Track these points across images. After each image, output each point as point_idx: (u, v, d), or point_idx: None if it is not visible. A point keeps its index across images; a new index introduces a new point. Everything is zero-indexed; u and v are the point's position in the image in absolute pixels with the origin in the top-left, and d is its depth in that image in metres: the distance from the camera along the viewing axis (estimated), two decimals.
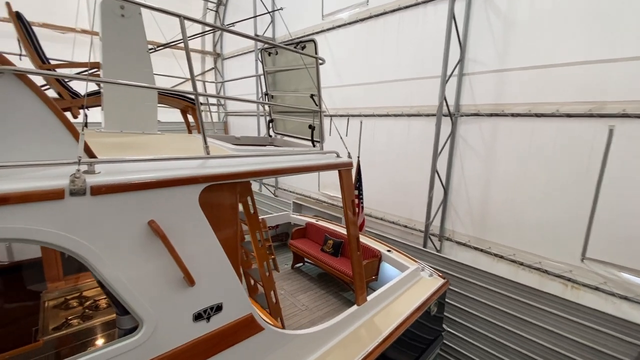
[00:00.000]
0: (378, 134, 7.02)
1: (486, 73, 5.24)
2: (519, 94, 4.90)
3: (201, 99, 4.15)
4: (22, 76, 1.45)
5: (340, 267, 5.03)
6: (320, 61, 2.91)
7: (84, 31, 7.93)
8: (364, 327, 3.29)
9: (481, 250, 5.46)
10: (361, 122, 7.26)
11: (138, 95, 3.13)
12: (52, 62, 3.27)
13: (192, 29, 7.77)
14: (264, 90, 3.84)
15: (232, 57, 11.60)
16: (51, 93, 3.49)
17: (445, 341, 5.25)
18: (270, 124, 3.84)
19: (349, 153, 3.08)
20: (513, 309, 4.62)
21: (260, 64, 3.82)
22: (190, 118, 4.23)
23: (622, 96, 3.97)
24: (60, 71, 3.81)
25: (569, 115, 4.40)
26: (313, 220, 6.23)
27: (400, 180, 6.65)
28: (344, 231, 5.70)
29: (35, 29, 3.21)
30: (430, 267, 4.67)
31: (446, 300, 5.15)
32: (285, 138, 3.83)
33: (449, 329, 5.18)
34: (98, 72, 3.24)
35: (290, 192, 9.56)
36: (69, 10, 7.79)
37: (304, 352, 2.77)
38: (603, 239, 4.24)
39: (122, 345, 1.69)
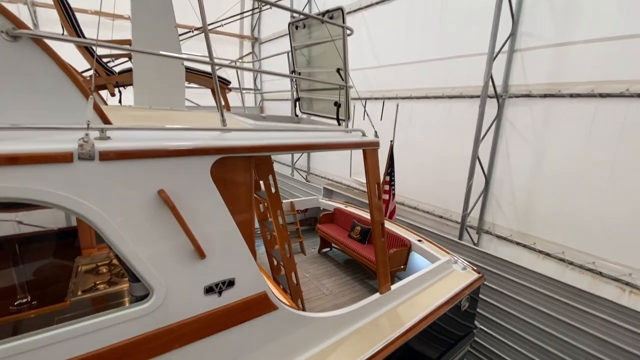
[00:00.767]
0: (415, 117, 6.62)
1: (542, 48, 4.65)
2: (579, 72, 4.28)
3: (234, 83, 4.14)
4: (39, 41, 1.45)
5: (367, 254, 4.88)
6: (348, 31, 2.71)
7: (115, 15, 8.26)
8: (386, 316, 3.14)
9: (524, 246, 4.99)
10: (397, 105, 6.89)
11: (166, 72, 3.17)
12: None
13: (230, 12, 7.81)
14: (292, 68, 3.71)
15: (269, 40, 11.58)
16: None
17: (477, 339, 4.93)
18: (297, 103, 3.72)
19: (375, 132, 2.88)
20: (557, 311, 4.18)
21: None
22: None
23: None
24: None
25: None
26: (342, 206, 6.11)
27: (437, 167, 6.25)
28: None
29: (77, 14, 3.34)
30: (465, 260, 4.35)
31: (481, 296, 4.81)
32: (312, 117, 3.70)
33: (482, 327, 4.85)
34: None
35: (322, 177, 9.46)
36: None
37: (320, 336, 2.70)
38: None
39: (132, 311, 1.71)
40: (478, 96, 5.15)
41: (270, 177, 3.11)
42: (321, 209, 6.46)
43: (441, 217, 6.21)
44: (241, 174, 2.06)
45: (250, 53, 12.04)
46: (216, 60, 1.97)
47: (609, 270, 4.14)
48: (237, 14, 6.03)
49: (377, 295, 3.18)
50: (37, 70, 1.47)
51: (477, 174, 5.30)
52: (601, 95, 4.08)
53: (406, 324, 3.05)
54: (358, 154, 8.34)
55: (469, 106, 5.48)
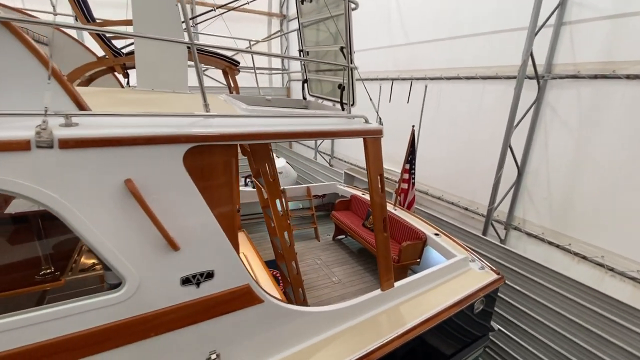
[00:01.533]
0: (444, 100, 6.11)
1: (596, 20, 3.97)
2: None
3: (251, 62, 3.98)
4: (7, 24, 1.40)
5: None
6: (352, 5, 2.43)
7: None
8: (386, 314, 2.98)
9: (557, 246, 4.50)
10: (426, 87, 6.39)
11: (168, 54, 3.09)
12: (98, 21, 3.40)
13: None
14: (300, 46, 3.48)
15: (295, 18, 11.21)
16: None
17: (497, 342, 4.62)
18: (305, 85, 3.51)
19: (379, 119, 2.62)
20: (591, 322, 3.73)
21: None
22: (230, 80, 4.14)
23: None
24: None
25: None
26: (359, 193, 5.89)
27: (465, 155, 5.77)
28: (388, 207, 5.25)
29: None
30: (481, 258, 4.01)
31: (505, 298, 4.45)
32: (320, 101, 3.48)
33: (503, 330, 4.52)
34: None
35: (345, 162, 9.21)
36: None
37: (311, 331, 2.61)
38: None
39: (105, 299, 1.71)
40: (515, 77, 4.58)
41: (268, 164, 2.98)
42: (339, 195, 6.29)
43: (466, 209, 5.78)
44: (220, 163, 1.95)
45: (278, 32, 11.78)
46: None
47: None
48: None
49: (377, 291, 3.02)
50: (6, 55, 1.43)
51: (508, 164, 4.80)
52: None
53: (407, 324, 2.87)
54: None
55: (505, 88, 4.92)
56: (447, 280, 3.56)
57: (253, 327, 2.27)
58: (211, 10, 6.46)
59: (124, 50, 3.62)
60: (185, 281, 1.92)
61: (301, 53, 3.42)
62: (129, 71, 3.55)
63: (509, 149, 4.68)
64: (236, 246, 2.15)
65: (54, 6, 1.95)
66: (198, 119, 1.92)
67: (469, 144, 5.67)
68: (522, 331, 4.34)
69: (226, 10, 7.07)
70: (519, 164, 4.80)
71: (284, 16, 11.81)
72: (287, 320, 2.45)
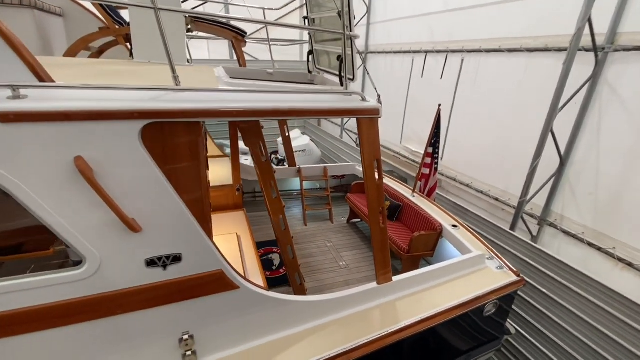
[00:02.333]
0: (482, 76, 5.42)
1: None
2: None
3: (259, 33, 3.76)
4: None
5: (390, 232, 4.41)
6: None
7: None
8: (380, 310, 2.79)
9: (598, 249, 3.92)
10: (462, 60, 5.72)
11: (164, 24, 2.95)
12: None
13: None
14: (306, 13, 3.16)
15: None
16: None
17: (515, 343, 4.25)
18: (310, 57, 3.22)
19: (378, 96, 2.31)
20: (631, 341, 3.23)
21: None
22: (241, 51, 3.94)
23: None
24: None
25: None
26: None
27: (501, 140, 5.14)
28: (406, 193, 4.90)
29: None
30: (501, 256, 3.60)
31: (530, 300, 4.02)
32: (327, 75, 3.18)
33: (522, 331, 4.13)
34: None
35: None
36: None
37: (294, 321, 2.51)
38: None
39: (66, 275, 1.70)
40: (567, 50, 3.86)
41: (260, 144, 2.80)
42: (357, 177, 6.01)
43: (497, 199, 5.23)
44: (184, 142, 1.80)
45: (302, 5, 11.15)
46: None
47: None
48: None
49: (373, 284, 2.82)
50: None
51: (548, 152, 4.18)
52: None
53: (400, 323, 2.66)
54: (411, 117, 7.40)
55: (553, 63, 4.20)
56: (457, 277, 3.24)
57: (228, 313, 2.21)
58: None
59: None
60: (151, 263, 1.87)
61: (306, 21, 3.11)
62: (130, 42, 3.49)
63: (550, 134, 4.04)
64: (208, 231, 2.05)
65: None
66: (163, 92, 1.77)
67: (506, 127, 5.03)
68: (546, 337, 3.91)
69: None
70: (562, 152, 4.16)
71: None
72: (266, 308, 2.36)
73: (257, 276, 2.88)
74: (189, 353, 2.16)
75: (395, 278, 2.91)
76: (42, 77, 1.54)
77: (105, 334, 1.90)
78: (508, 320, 4.26)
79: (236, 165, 3.92)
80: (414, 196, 4.80)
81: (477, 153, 5.59)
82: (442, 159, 6.37)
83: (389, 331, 2.57)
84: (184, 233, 1.90)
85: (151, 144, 1.70)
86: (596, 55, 3.78)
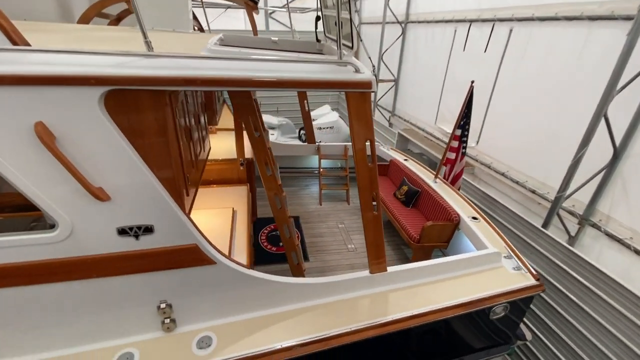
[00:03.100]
0: (532, 49, 4.71)
1: None
2: None
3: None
4: None
5: (403, 219, 4.17)
6: None
7: None
8: (370, 299, 2.65)
9: None
10: (511, 31, 5.00)
11: None
12: None
13: None
14: None
15: None
16: None
17: (533, 348, 3.89)
18: (318, 24, 2.95)
19: (373, 67, 2.05)
20: None
21: None
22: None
23: None
24: None
25: None
26: (400, 158, 5.23)
27: (547, 125, 4.49)
28: (427, 178, 4.54)
29: None
30: (521, 256, 3.21)
31: (557, 307, 3.61)
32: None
33: (543, 337, 3.75)
34: None
35: (406, 120, 8.22)
36: None
37: (277, 300, 2.47)
38: None
39: (40, 237, 1.78)
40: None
41: (251, 117, 2.66)
42: (381, 158, 5.71)
43: (534, 192, 4.67)
44: (149, 112, 1.73)
45: None
46: None
47: None
48: None
49: (365, 272, 2.67)
50: None
51: (600, 141, 3.56)
52: None
53: (388, 316, 2.50)
54: (448, 95, 6.73)
55: (620, 33, 3.47)
56: (465, 274, 2.97)
57: (205, 287, 2.22)
58: None
59: None
60: (122, 232, 1.88)
61: None
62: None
63: (603, 120, 3.41)
64: (182, 204, 2.01)
65: None
66: (131, 58, 1.69)
67: (554, 109, 4.37)
68: (569, 349, 3.52)
69: None
70: (617, 142, 3.51)
71: None
72: (247, 286, 2.33)
73: (242, 253, 2.86)
74: (167, 320, 2.22)
75: (391, 269, 2.72)
76: (15, 40, 1.52)
77: (84, 295, 1.99)
78: (526, 324, 3.89)
79: (240, 140, 3.85)
80: (435, 182, 4.43)
81: (518, 138, 4.98)
82: (477, 143, 5.80)
83: (373, 323, 2.44)
84: (154, 206, 1.88)
85: (115, 113, 1.65)
86: None
